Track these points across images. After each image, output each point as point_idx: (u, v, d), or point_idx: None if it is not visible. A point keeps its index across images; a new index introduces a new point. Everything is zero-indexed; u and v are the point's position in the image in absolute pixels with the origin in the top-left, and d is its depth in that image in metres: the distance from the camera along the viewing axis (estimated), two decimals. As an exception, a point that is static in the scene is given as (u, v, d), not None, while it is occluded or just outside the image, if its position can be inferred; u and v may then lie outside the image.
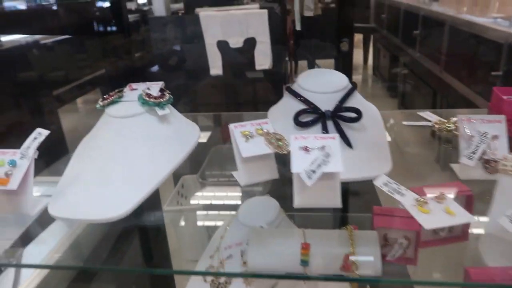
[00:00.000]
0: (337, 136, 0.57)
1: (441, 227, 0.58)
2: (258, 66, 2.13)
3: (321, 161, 0.53)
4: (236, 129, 0.64)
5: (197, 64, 2.15)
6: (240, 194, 0.88)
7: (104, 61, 2.55)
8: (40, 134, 0.61)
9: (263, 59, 2.11)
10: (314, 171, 0.52)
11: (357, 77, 4.69)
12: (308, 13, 0.83)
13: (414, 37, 3.12)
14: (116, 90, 0.73)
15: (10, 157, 0.59)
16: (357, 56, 4.85)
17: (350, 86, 0.76)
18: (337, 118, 0.71)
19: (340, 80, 0.77)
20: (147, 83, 0.75)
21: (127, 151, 0.64)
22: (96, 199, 0.60)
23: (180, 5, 2.30)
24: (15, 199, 0.59)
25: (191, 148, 0.70)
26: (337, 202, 0.57)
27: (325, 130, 0.69)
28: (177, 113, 0.73)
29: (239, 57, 2.11)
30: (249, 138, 0.63)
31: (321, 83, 0.76)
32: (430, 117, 0.88)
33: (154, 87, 0.73)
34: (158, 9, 2.05)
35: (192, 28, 2.08)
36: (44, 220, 0.62)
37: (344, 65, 0.92)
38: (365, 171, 0.66)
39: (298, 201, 0.57)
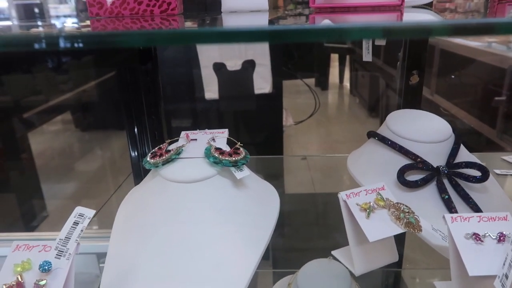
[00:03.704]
0: (508, 215, 0.42)
1: None
2: (258, 90, 1.98)
3: (511, 259, 0.38)
4: (350, 200, 0.47)
5: (191, 87, 1.97)
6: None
7: (78, 82, 2.31)
8: (82, 217, 0.41)
9: (262, 83, 1.97)
10: (507, 276, 0.37)
11: (334, 96, 4.69)
12: (381, 42, 0.69)
13: (398, 59, 3.09)
14: (168, 141, 0.55)
15: (40, 255, 0.39)
16: (332, 76, 4.86)
17: (454, 134, 0.62)
18: (455, 177, 0.56)
19: (443, 126, 0.62)
20: (208, 131, 0.57)
21: (205, 233, 0.46)
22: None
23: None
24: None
25: (275, 219, 0.52)
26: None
27: (444, 192, 0.54)
28: (253, 173, 0.56)
29: (237, 81, 1.96)
30: (369, 212, 0.47)
31: (421, 129, 0.61)
32: (519, 162, 0.76)
33: (220, 138, 0.55)
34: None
35: (185, 49, 1.90)
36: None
37: (413, 101, 0.79)
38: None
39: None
